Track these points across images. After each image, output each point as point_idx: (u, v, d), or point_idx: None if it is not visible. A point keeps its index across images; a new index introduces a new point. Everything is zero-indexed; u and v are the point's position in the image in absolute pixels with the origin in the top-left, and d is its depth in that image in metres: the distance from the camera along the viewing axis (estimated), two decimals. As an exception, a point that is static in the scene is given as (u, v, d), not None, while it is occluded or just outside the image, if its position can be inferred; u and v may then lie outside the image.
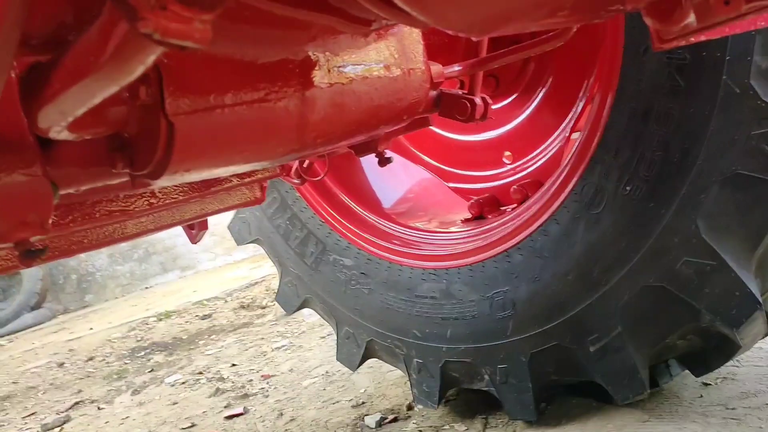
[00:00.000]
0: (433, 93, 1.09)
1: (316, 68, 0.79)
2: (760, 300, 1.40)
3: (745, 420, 1.52)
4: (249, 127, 0.74)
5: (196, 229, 1.57)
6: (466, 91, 1.22)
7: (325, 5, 0.62)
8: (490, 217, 2.03)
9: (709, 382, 1.77)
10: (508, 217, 1.83)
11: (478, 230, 1.90)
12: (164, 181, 0.72)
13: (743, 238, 1.39)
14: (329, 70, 0.81)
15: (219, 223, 2.69)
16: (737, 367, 1.81)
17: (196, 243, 1.63)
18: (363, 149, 1.15)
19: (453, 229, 2.01)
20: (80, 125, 0.64)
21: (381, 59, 0.89)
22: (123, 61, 0.49)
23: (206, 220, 1.45)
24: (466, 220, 2.07)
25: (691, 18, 0.69)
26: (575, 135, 1.92)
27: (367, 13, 0.66)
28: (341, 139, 0.90)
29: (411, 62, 0.95)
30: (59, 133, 0.64)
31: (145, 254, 7.35)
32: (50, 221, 0.74)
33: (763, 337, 1.59)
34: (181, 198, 1.14)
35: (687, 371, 1.71)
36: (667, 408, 1.67)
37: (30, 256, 0.74)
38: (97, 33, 0.49)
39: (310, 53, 0.78)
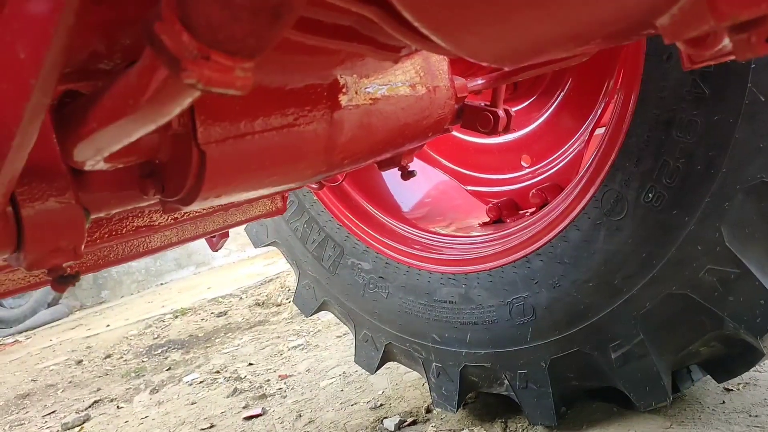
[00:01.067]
0: (457, 107, 1.09)
1: (344, 91, 0.79)
2: (785, 309, 1.39)
3: (763, 416, 1.51)
4: (278, 151, 0.74)
5: (217, 237, 1.58)
6: (488, 103, 1.22)
7: (355, 34, 0.62)
8: (508, 221, 2.02)
9: (731, 387, 1.76)
10: (527, 222, 1.82)
11: (497, 235, 1.89)
12: (195, 207, 0.73)
13: (767, 247, 1.38)
14: (357, 92, 0.80)
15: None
16: (760, 372, 1.79)
17: (216, 251, 1.64)
18: (386, 164, 1.15)
19: (472, 233, 2.01)
20: (114, 156, 0.65)
21: (407, 79, 0.89)
22: (161, 104, 0.49)
23: (228, 230, 1.46)
24: (484, 224, 2.07)
25: (725, 42, 0.69)
26: (599, 131, 1.91)
27: (397, 41, 0.66)
28: (368, 158, 0.90)
29: (436, 80, 0.95)
30: (94, 166, 0.64)
31: (152, 255, 7.40)
32: (83, 246, 0.74)
33: (788, 345, 1.57)
34: (205, 212, 1.15)
35: (708, 376, 1.71)
36: (690, 414, 1.66)
37: (63, 281, 0.74)
38: (136, 76, 0.49)
39: (338, 76, 0.78)
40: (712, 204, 1.38)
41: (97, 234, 1.01)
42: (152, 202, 0.83)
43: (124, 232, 1.04)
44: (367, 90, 0.82)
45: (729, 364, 1.59)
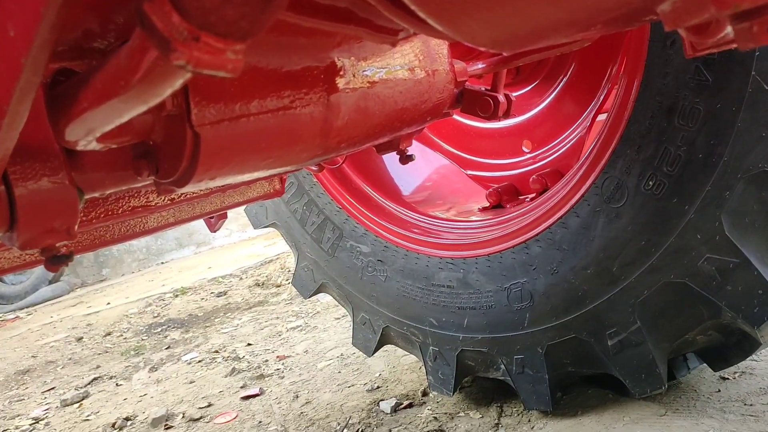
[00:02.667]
0: (456, 91, 1.08)
1: (341, 73, 0.78)
2: (783, 299, 1.38)
3: (763, 417, 1.52)
4: (274, 134, 0.73)
5: (215, 218, 1.57)
6: (488, 87, 1.21)
7: (352, 16, 0.61)
8: (508, 206, 2.01)
9: (726, 376, 1.77)
10: (527, 208, 1.82)
11: (496, 220, 1.89)
12: (189, 188, 0.72)
13: (767, 237, 1.37)
14: (354, 75, 0.79)
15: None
16: (756, 361, 1.80)
17: (215, 231, 1.64)
18: (385, 147, 1.14)
19: (471, 218, 2.00)
20: (107, 136, 0.64)
21: (406, 62, 0.88)
22: (152, 85, 0.48)
23: (226, 212, 1.46)
24: (484, 209, 2.06)
25: (728, 30, 0.67)
26: (601, 117, 1.89)
27: (395, 24, 0.65)
28: (365, 142, 0.89)
29: (435, 63, 0.93)
30: (86, 146, 0.64)
31: (149, 236, 7.41)
32: (76, 227, 0.74)
33: (784, 335, 1.57)
34: (202, 193, 1.14)
35: (704, 364, 1.71)
36: (685, 402, 1.67)
37: (56, 261, 0.74)
38: (126, 57, 0.48)
39: (335, 59, 0.77)
40: (712, 193, 1.37)
41: (92, 214, 1.01)
42: (147, 182, 0.82)
43: (120, 212, 1.04)
44: (364, 73, 0.81)
45: (725, 352, 1.60)
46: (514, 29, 0.53)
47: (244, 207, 2.43)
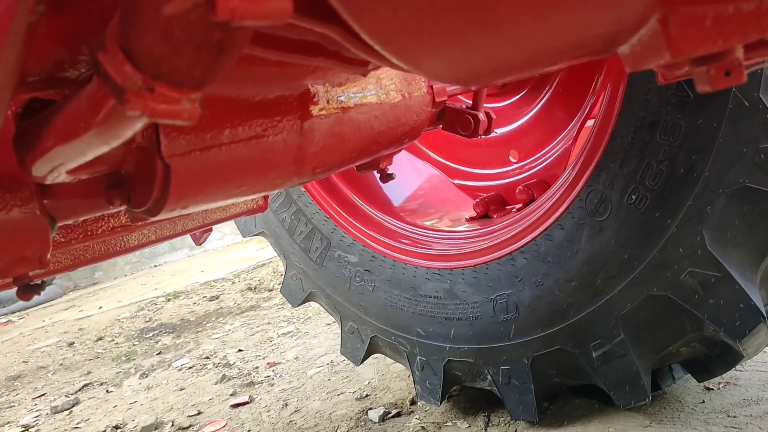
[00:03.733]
0: (435, 111, 1.08)
1: (315, 100, 0.78)
2: (764, 313, 1.39)
3: (746, 429, 1.52)
4: (247, 162, 0.74)
5: (199, 232, 1.57)
6: (469, 106, 1.21)
7: (321, 50, 0.61)
8: (495, 216, 2.02)
9: (711, 386, 1.78)
10: (512, 219, 1.82)
11: (482, 231, 1.89)
12: (162, 217, 0.72)
13: (748, 251, 1.38)
14: (328, 101, 0.80)
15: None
16: (740, 371, 1.80)
17: (200, 245, 1.63)
18: (365, 167, 1.14)
19: (458, 228, 2.01)
20: (77, 169, 0.64)
21: (381, 87, 0.88)
22: (112, 129, 0.48)
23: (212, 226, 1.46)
24: (471, 219, 2.07)
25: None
26: (590, 123, 1.90)
27: (362, 57, 0.65)
28: (341, 166, 0.89)
29: (412, 86, 0.93)
30: (55, 179, 0.64)
31: (129, 254, 7.40)
32: (48, 255, 0.74)
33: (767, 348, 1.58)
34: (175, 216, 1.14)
35: (689, 375, 1.72)
36: (669, 413, 1.68)
37: (28, 290, 0.74)
38: (86, 101, 0.48)
39: (308, 86, 0.77)
40: (694, 207, 1.38)
41: (71, 235, 1.01)
42: (119, 209, 0.82)
43: (99, 232, 1.04)
44: (339, 98, 0.81)
45: (709, 364, 1.61)
46: (476, 68, 0.53)
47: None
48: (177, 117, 0.43)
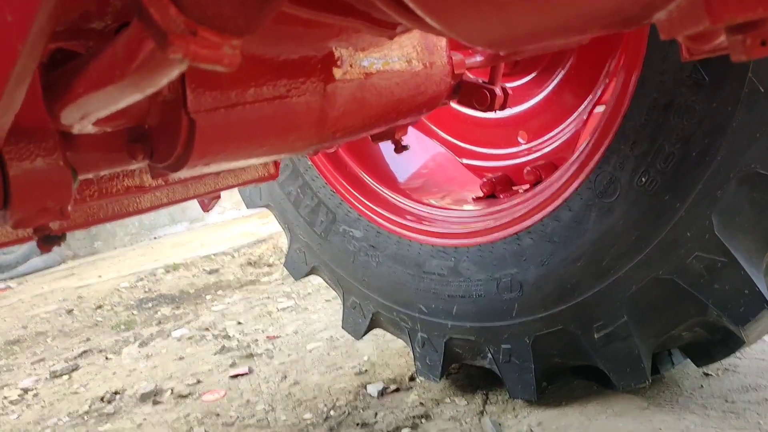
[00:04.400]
0: (453, 83, 1.08)
1: (339, 64, 0.78)
2: (768, 299, 1.40)
3: (744, 414, 1.54)
4: (269, 123, 0.74)
5: (208, 199, 1.58)
6: (486, 80, 1.21)
7: (350, 9, 0.61)
8: (501, 196, 2.02)
9: (710, 372, 1.79)
10: (520, 199, 1.83)
11: (489, 210, 1.90)
12: (183, 174, 0.73)
13: (756, 237, 1.39)
14: (351, 65, 0.79)
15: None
16: (739, 359, 1.82)
17: (207, 211, 1.64)
18: (380, 137, 1.14)
19: (464, 207, 2.01)
20: (102, 120, 0.64)
21: (403, 54, 0.88)
22: (148, 75, 0.48)
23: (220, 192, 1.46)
24: (477, 199, 2.07)
25: (722, 39, 0.68)
26: (599, 108, 1.89)
27: (392, 18, 0.65)
28: (360, 133, 0.89)
29: (433, 56, 0.93)
30: (81, 129, 0.64)
31: (141, 215, 7.40)
32: (70, 207, 0.74)
33: (768, 334, 1.60)
34: (196, 175, 1.14)
35: (688, 359, 1.73)
36: (668, 397, 1.69)
37: (48, 241, 0.75)
38: (123, 46, 0.48)
39: (333, 49, 0.77)
40: (704, 191, 1.38)
41: (86, 192, 1.01)
42: (141, 165, 0.82)
43: (114, 191, 1.04)
44: (362, 64, 0.81)
45: (710, 349, 1.62)
46: (510, 31, 0.53)
47: (239, 188, 2.43)
48: (218, 62, 0.43)
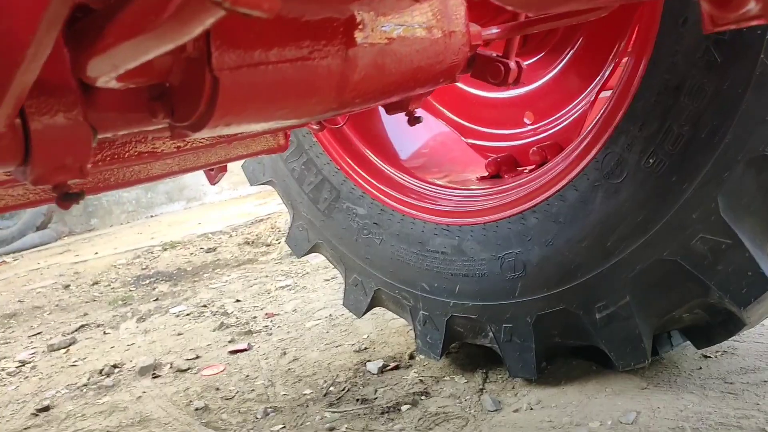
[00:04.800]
0: (470, 54, 1.07)
1: (360, 27, 0.78)
2: (772, 281, 1.41)
3: (742, 395, 1.56)
4: (291, 84, 0.73)
5: (215, 171, 1.57)
6: (500, 54, 1.20)
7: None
8: (506, 176, 2.02)
9: (709, 354, 1.81)
10: (525, 179, 1.83)
11: (494, 190, 1.90)
12: (204, 134, 0.72)
13: (762, 220, 1.40)
14: (373, 30, 0.79)
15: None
16: (738, 342, 1.84)
17: (214, 184, 1.64)
18: (394, 107, 1.14)
19: (469, 186, 2.01)
20: (126, 75, 0.64)
21: (424, 21, 0.87)
22: (184, 23, 0.48)
23: (227, 164, 1.46)
24: (482, 178, 2.07)
25: (751, 5, 0.68)
26: (605, 94, 1.89)
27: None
28: (378, 99, 0.89)
29: (452, 24, 0.93)
30: (106, 83, 0.63)
31: (153, 183, 7.37)
32: (89, 165, 0.74)
33: (769, 317, 1.61)
34: (207, 142, 1.14)
35: (687, 342, 1.75)
36: (666, 377, 1.71)
37: (68, 198, 0.74)
38: (158, -8, 0.48)
39: (355, 12, 0.76)
40: (711, 173, 1.38)
41: (99, 156, 1.01)
42: (158, 127, 0.82)
43: (126, 156, 1.04)
44: (383, 29, 0.81)
45: (710, 331, 1.63)
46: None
47: (241, 163, 2.43)
48: (257, 7, 0.43)
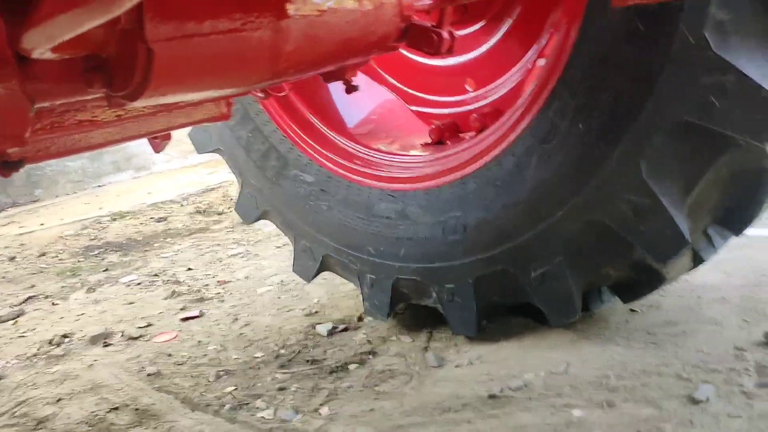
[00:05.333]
0: (403, 25, 1.12)
1: (292, 0, 0.81)
2: (689, 239, 1.52)
3: (663, 345, 1.68)
4: (224, 55, 0.76)
5: (159, 139, 1.58)
6: (434, 23, 1.25)
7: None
8: (449, 143, 2.08)
9: (635, 309, 1.93)
10: (466, 145, 1.89)
11: (436, 155, 1.96)
12: (140, 103, 0.75)
13: (680, 183, 1.49)
14: (304, 2, 0.82)
15: (178, 127, 2.67)
16: (663, 297, 1.96)
17: (158, 152, 1.65)
18: (331, 76, 1.17)
19: (412, 152, 2.07)
20: (62, 47, 0.66)
21: (355, -7, 0.91)
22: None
23: (170, 132, 1.47)
24: (425, 145, 2.13)
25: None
26: (540, 62, 1.96)
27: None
28: (311, 70, 0.92)
29: (383, -3, 0.97)
30: (42, 54, 0.65)
31: (98, 152, 7.19)
32: (27, 134, 0.76)
33: (687, 271, 1.73)
34: (148, 111, 1.16)
35: (616, 298, 1.86)
36: (596, 331, 1.83)
37: (7, 167, 0.77)
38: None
39: (286, -17, 0.79)
40: (635, 139, 1.47)
41: (39, 125, 1.02)
42: (95, 96, 0.84)
43: (66, 124, 1.05)
44: (314, 1, 0.84)
45: (635, 287, 1.75)
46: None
47: (188, 131, 2.42)
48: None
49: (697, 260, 1.68)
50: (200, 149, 2.39)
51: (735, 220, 1.61)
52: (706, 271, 2.11)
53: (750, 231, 2.51)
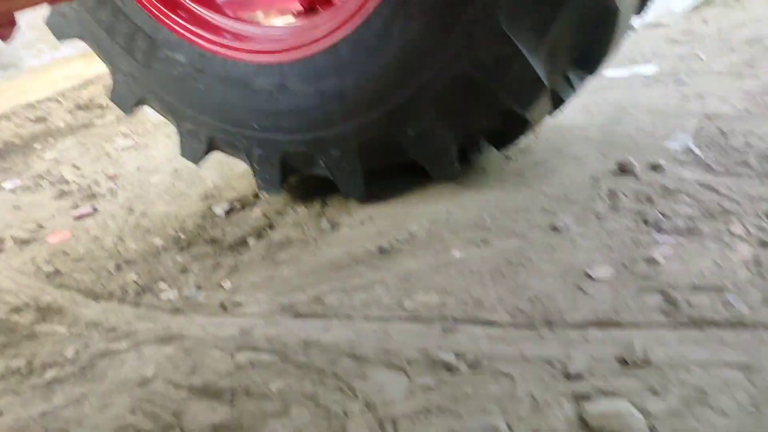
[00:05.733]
0: None
1: None
2: (547, 83, 1.62)
3: (532, 184, 1.84)
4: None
5: (4, 27, 1.48)
6: None
7: None
8: (320, 10, 2.05)
9: (510, 156, 2.07)
10: (335, 11, 1.87)
11: (307, 24, 1.94)
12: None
13: (536, 29, 1.57)
14: None
15: (40, 15, 2.46)
16: (534, 144, 2.10)
17: (8, 41, 1.55)
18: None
19: (285, 23, 2.03)
20: None
21: None
22: None
23: (14, 16, 1.38)
24: (298, 14, 2.09)
25: None
26: None
27: None
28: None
29: None
30: None
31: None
32: None
33: (550, 114, 1.86)
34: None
35: (492, 148, 1.98)
36: (474, 179, 1.95)
37: None
38: None
39: None
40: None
41: None
42: None
43: None
44: None
45: (505, 134, 1.87)
46: None
47: (45, 20, 2.25)
48: None
49: (558, 102, 1.80)
50: (60, 36, 2.24)
51: (589, 60, 1.72)
52: (574, 114, 2.27)
53: (612, 73, 2.70)
